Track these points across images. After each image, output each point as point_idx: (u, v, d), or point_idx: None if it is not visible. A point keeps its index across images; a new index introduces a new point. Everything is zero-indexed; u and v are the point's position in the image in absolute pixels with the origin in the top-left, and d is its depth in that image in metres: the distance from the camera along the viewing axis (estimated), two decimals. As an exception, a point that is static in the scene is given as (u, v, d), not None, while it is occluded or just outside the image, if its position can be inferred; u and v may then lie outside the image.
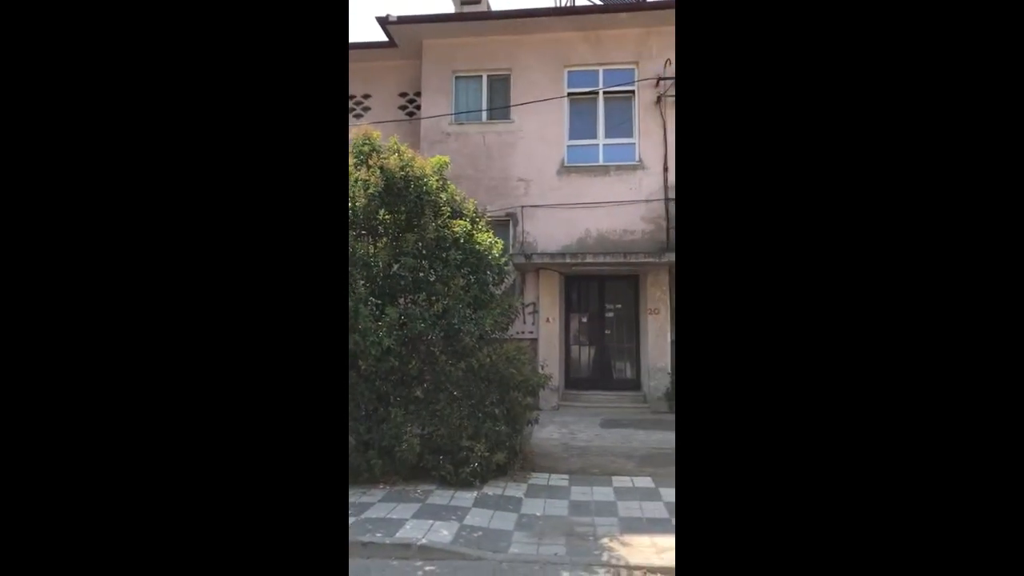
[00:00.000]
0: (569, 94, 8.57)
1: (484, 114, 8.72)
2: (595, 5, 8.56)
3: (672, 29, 8.31)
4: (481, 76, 8.75)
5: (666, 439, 6.42)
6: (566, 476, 5.15)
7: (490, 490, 4.72)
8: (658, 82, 8.21)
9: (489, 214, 7.18)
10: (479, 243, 5.51)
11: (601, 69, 8.57)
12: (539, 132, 8.46)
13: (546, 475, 5.17)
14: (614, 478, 5.06)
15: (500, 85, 8.78)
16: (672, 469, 5.27)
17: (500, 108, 8.70)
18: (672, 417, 7.45)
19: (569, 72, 8.62)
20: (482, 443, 4.84)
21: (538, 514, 4.21)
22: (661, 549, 3.55)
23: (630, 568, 3.34)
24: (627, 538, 3.75)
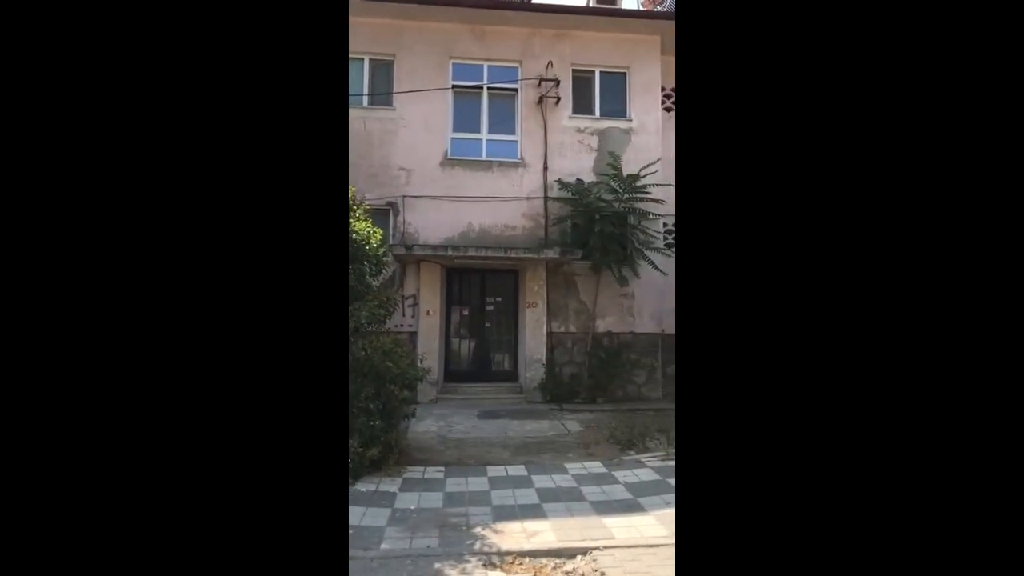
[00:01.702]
0: (454, 86, 8.53)
1: (365, 99, 8.39)
2: None
3: (555, 32, 8.60)
4: (363, 59, 8.41)
5: (539, 428, 6.67)
6: (442, 468, 5.15)
7: (363, 487, 4.59)
8: (540, 83, 8.45)
9: (368, 202, 6.94)
10: (356, 232, 5.30)
11: (486, 64, 8.63)
12: (422, 122, 8.34)
13: (422, 468, 5.13)
14: (489, 468, 5.16)
15: (383, 70, 8.51)
16: (543, 456, 5.52)
17: (382, 94, 8.43)
18: (545, 407, 7.76)
19: (454, 64, 8.58)
20: (355, 439, 4.69)
21: (412, 508, 4.18)
22: (531, 533, 3.69)
23: (501, 554, 3.42)
24: (499, 526, 3.84)
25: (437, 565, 3.30)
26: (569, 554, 3.45)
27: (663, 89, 8.99)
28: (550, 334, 8.39)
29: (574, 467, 5.17)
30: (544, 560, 3.38)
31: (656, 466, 5.16)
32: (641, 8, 11.58)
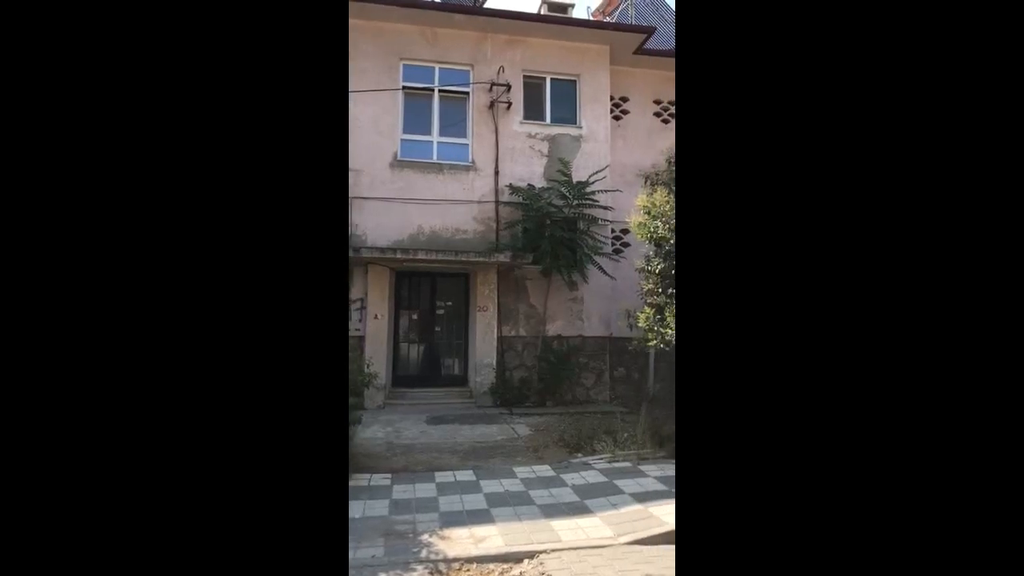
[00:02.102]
0: (404, 87, 8.44)
1: (312, 97, 8.16)
2: (432, 2, 8.54)
3: (507, 37, 8.65)
4: (310, 56, 8.17)
5: (489, 432, 6.66)
6: (388, 475, 5.05)
7: (305, 496, 4.44)
8: (491, 87, 8.47)
9: (314, 203, 6.73)
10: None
11: (437, 67, 8.58)
12: (372, 122, 8.20)
13: (368, 476, 5.01)
14: (437, 474, 5.10)
15: (331, 68, 8.30)
16: (492, 461, 5.51)
17: (330, 92, 8.22)
18: (495, 411, 7.75)
19: (405, 65, 8.48)
20: (298, 447, 4.53)
21: (357, 516, 4.07)
22: (479, 539, 3.67)
23: (448, 561, 3.39)
24: (447, 532, 3.80)
25: (382, 574, 3.23)
26: (516, 558, 3.44)
27: (612, 98, 9.19)
28: (501, 338, 8.40)
29: (523, 471, 5.18)
30: (491, 565, 3.37)
31: (603, 468, 5.24)
32: (591, 18, 11.81)
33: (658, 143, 9.03)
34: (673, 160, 6.57)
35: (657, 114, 9.64)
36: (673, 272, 5.90)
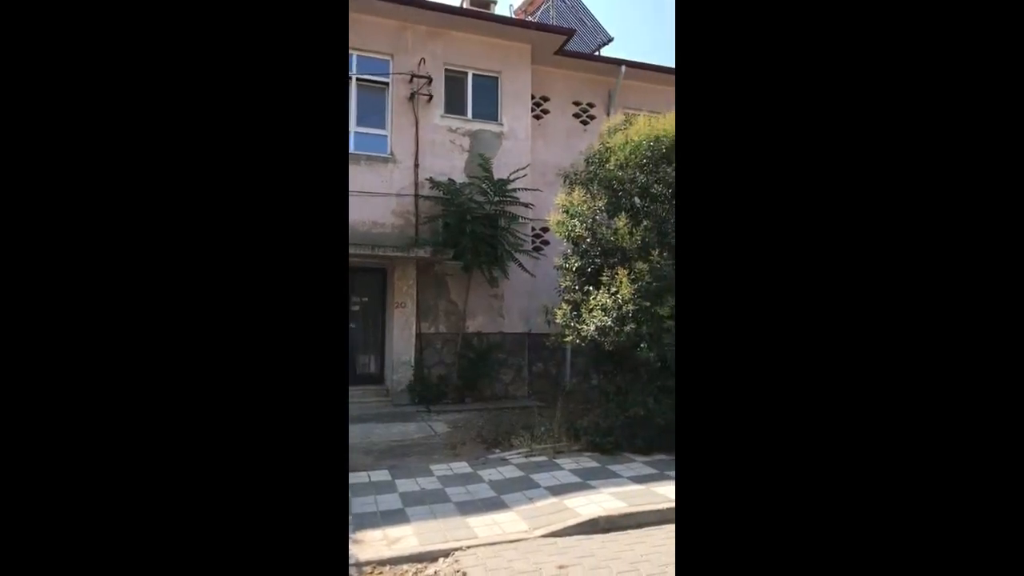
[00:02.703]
0: (320, 73, 8.05)
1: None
2: (351, -14, 8.22)
3: (428, 29, 8.49)
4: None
5: (406, 431, 6.53)
6: (298, 479, 4.82)
7: (204, 505, 4.13)
8: (412, 79, 8.29)
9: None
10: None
11: (355, 54, 8.28)
12: (284, 108, 7.75)
13: (275, 480, 4.76)
14: (351, 475, 4.92)
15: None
16: (408, 459, 5.40)
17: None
18: (413, 409, 7.61)
19: (321, 50, 8.10)
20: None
21: (261, 524, 3.85)
22: (393, 540, 3.58)
23: (359, 565, 3.27)
24: (359, 535, 3.67)
25: (287, 584, 3.06)
26: (431, 557, 3.39)
27: (533, 97, 9.29)
28: (419, 335, 8.26)
29: (439, 468, 5.12)
30: (405, 566, 3.30)
31: (520, 463, 5.29)
32: (513, 16, 11.87)
33: (577, 144, 9.24)
34: (591, 160, 6.74)
35: (576, 115, 9.86)
36: (589, 270, 6.06)
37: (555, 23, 11.23)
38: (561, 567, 3.22)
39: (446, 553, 3.43)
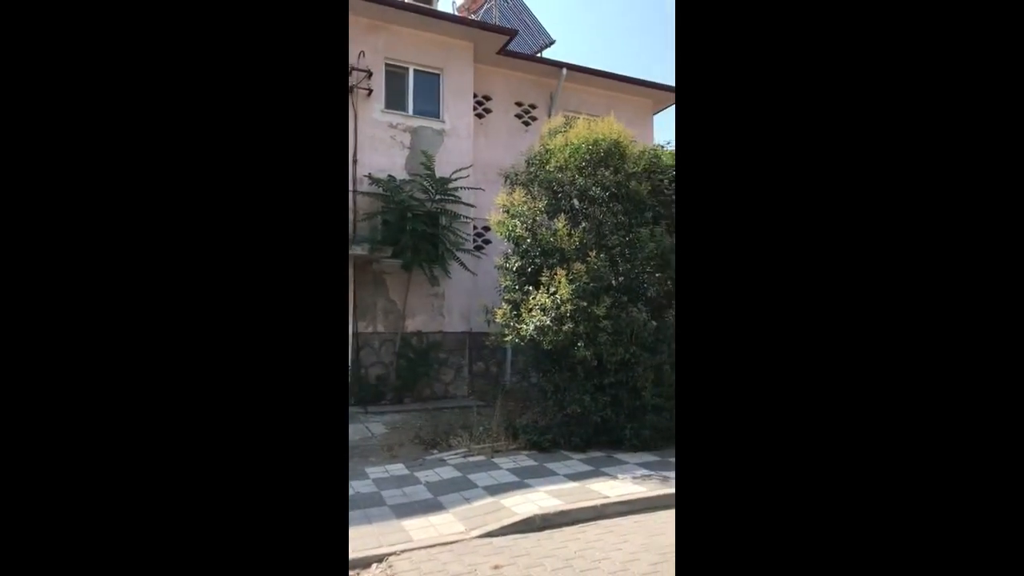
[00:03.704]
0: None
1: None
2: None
3: (368, 21, 8.29)
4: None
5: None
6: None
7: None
8: (351, 72, 8.08)
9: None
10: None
11: (291, 43, 7.96)
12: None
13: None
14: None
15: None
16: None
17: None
18: (350, 410, 7.42)
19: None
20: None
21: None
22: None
23: None
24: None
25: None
26: (364, 564, 3.32)
27: (475, 95, 9.26)
28: (356, 334, 8.07)
29: (375, 471, 5.02)
30: (336, 574, 3.21)
31: (457, 463, 5.27)
32: (456, 13, 11.80)
33: (519, 144, 9.28)
34: (531, 161, 6.80)
35: (519, 116, 9.92)
36: (529, 270, 6.11)
37: (497, 23, 11.25)
38: (496, 567, 3.23)
39: (380, 559, 3.37)
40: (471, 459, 5.38)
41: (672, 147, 6.71)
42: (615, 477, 4.77)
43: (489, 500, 4.25)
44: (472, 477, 4.81)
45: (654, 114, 11.19)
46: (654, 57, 39.50)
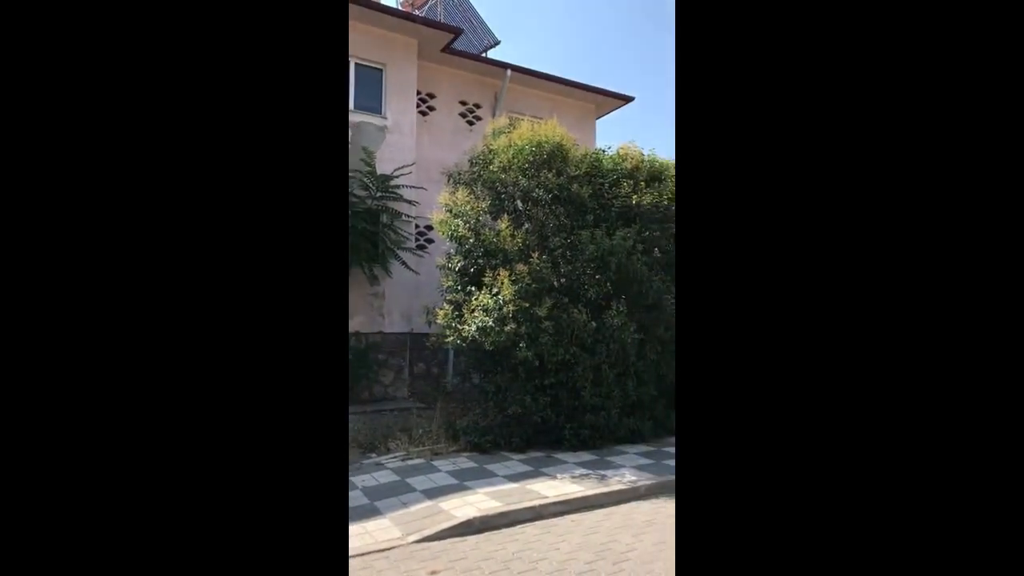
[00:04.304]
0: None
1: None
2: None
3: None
4: None
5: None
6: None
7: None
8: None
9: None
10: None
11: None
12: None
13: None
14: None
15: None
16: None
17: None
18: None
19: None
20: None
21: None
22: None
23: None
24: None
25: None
26: (294, 574, 3.19)
27: (418, 93, 9.13)
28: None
29: (310, 477, 4.84)
30: (264, 586, 3.06)
31: (396, 467, 5.16)
32: (400, 8, 11.59)
33: (463, 143, 9.23)
34: (475, 161, 6.76)
35: (463, 115, 9.85)
36: (472, 270, 6.07)
37: (442, 20, 11.15)
38: (433, 573, 3.18)
39: (311, 568, 3.24)
40: (410, 462, 5.29)
41: (612, 152, 6.85)
42: (554, 477, 4.82)
43: (427, 504, 4.19)
44: (411, 481, 4.72)
45: (596, 119, 11.41)
46: (598, 62, 40.35)
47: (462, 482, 4.66)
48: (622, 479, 4.78)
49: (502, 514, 3.98)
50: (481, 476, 4.84)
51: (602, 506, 4.33)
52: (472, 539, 3.69)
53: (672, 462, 5.33)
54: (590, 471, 5.01)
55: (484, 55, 11.43)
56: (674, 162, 7.28)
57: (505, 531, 3.84)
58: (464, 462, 5.28)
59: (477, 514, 3.93)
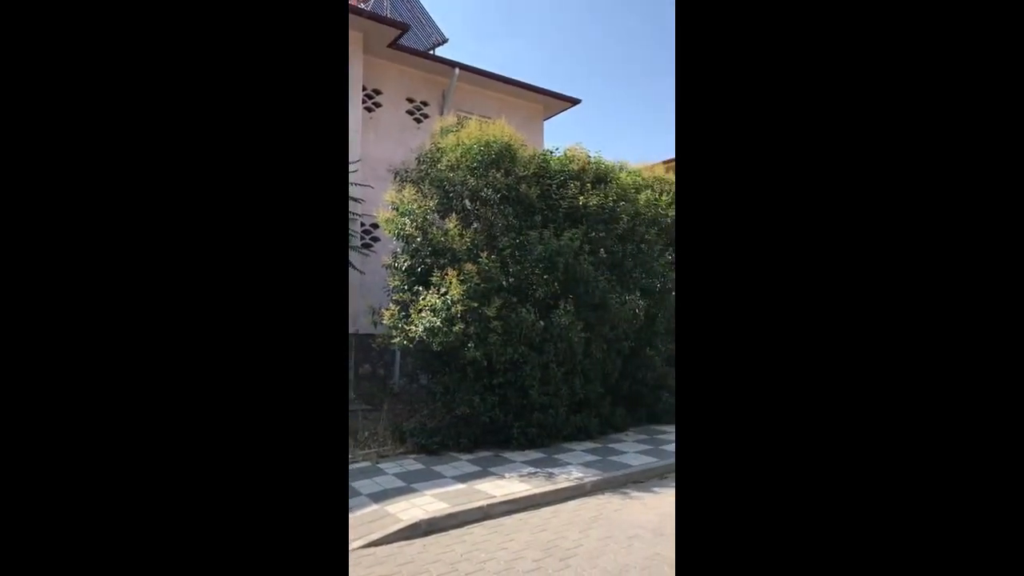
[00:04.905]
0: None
1: None
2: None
3: None
4: None
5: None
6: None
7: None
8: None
9: None
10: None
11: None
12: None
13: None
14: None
15: None
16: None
17: None
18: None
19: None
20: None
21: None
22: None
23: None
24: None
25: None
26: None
27: (364, 88, 8.93)
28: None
29: (248, 485, 4.64)
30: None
31: (341, 471, 5.03)
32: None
33: (410, 141, 9.10)
34: (423, 159, 6.67)
35: (410, 112, 9.72)
36: (419, 269, 5.99)
37: (389, 15, 10.96)
38: (379, 578, 3.12)
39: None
40: (356, 466, 5.16)
41: (560, 153, 6.93)
42: (502, 476, 4.82)
43: (373, 508, 4.10)
44: (356, 485, 4.61)
45: (544, 120, 11.51)
46: (545, 64, 40.76)
47: (409, 484, 4.60)
48: (569, 476, 4.84)
49: (450, 515, 3.95)
50: (428, 478, 4.78)
51: (550, 504, 4.36)
52: (419, 542, 3.64)
53: (616, 458, 5.45)
54: (538, 469, 5.05)
55: (432, 52, 11.32)
56: (618, 165, 7.45)
57: (453, 532, 3.81)
58: (411, 464, 5.21)
59: (424, 516, 3.88)
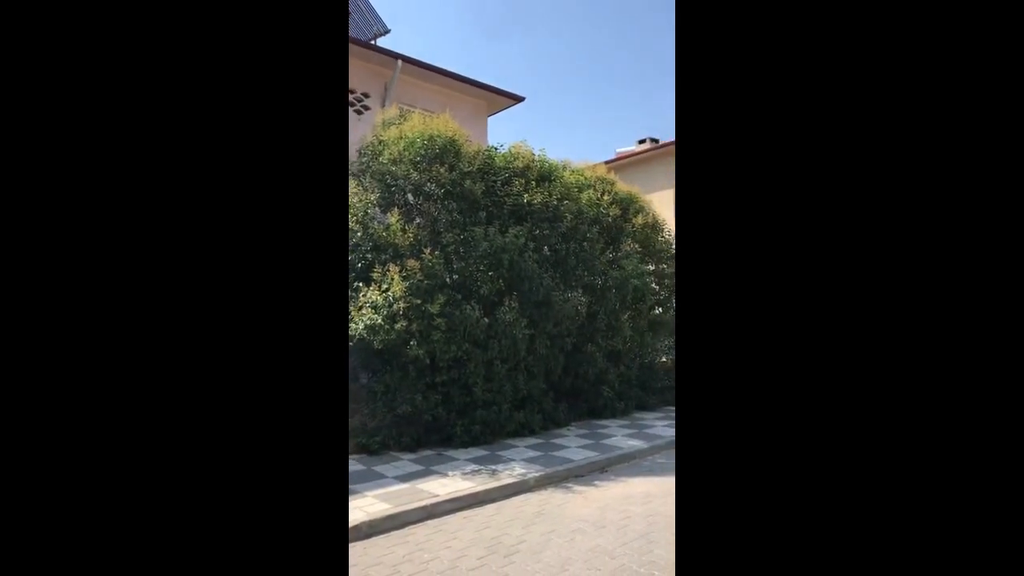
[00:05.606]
0: None
1: None
2: None
3: None
4: None
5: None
6: None
7: None
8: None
9: None
10: None
11: None
12: None
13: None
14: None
15: None
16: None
17: None
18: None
19: None
20: None
21: None
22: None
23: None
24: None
25: None
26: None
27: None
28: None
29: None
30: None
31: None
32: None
33: (351, 133, 8.84)
34: (364, 152, 6.49)
35: (350, 103, 9.44)
36: (360, 265, 5.83)
37: (330, 2, 10.59)
38: (317, 584, 3.01)
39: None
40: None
41: (504, 150, 6.93)
42: (445, 475, 4.78)
43: (311, 512, 3.96)
44: (292, 488, 4.44)
45: (488, 116, 11.49)
46: (488, 60, 40.72)
47: (350, 486, 4.47)
48: (512, 472, 4.85)
49: (391, 516, 3.87)
50: (370, 478, 4.67)
51: (493, 500, 4.36)
52: (360, 544, 3.55)
53: (559, 453, 5.52)
54: (481, 466, 5.04)
55: (374, 43, 11.03)
56: (562, 164, 7.54)
57: (395, 533, 3.73)
58: (352, 465, 5.07)
59: (365, 518, 3.78)
